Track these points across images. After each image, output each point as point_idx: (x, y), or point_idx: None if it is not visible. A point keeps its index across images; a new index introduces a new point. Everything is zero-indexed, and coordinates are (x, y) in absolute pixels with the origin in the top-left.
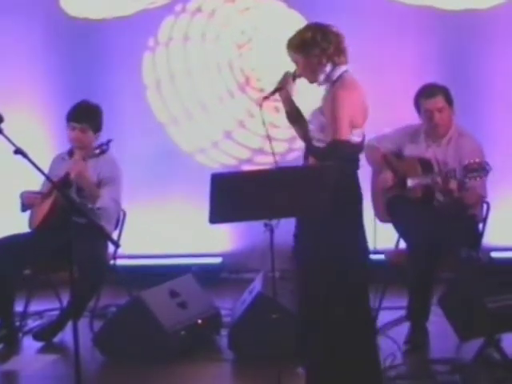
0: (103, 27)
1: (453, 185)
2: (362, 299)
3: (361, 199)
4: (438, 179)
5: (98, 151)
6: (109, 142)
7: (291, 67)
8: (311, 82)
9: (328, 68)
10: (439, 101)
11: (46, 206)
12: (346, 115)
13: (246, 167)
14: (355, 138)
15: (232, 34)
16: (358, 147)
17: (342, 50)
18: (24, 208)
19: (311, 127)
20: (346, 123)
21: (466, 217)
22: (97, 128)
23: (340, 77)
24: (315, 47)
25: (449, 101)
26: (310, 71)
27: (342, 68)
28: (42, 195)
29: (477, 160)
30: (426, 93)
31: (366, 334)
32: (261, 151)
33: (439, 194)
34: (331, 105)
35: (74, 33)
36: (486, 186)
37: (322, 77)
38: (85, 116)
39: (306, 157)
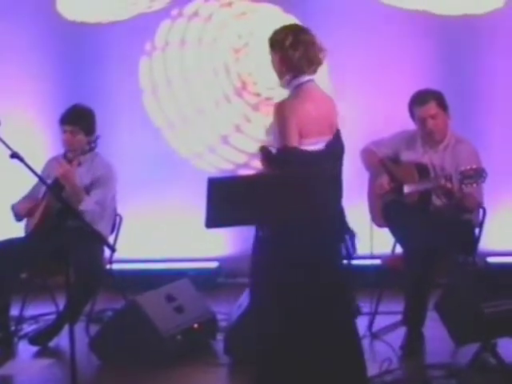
0: (100, 31)
1: (454, 186)
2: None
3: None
4: (440, 180)
5: (86, 147)
6: (96, 138)
7: None
8: (279, 80)
9: (289, 76)
10: (432, 107)
11: (40, 209)
12: (292, 124)
13: (243, 172)
14: (307, 147)
15: (228, 38)
16: (316, 156)
17: (311, 59)
18: (18, 218)
19: (270, 136)
20: (293, 131)
21: (462, 222)
22: (89, 130)
23: (299, 86)
24: (281, 51)
25: (442, 106)
26: (276, 71)
27: (306, 77)
28: (35, 202)
29: (473, 166)
30: (418, 100)
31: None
32: (257, 156)
33: (436, 198)
34: (277, 114)
35: (71, 37)
36: (482, 192)
37: (283, 81)
38: (75, 118)
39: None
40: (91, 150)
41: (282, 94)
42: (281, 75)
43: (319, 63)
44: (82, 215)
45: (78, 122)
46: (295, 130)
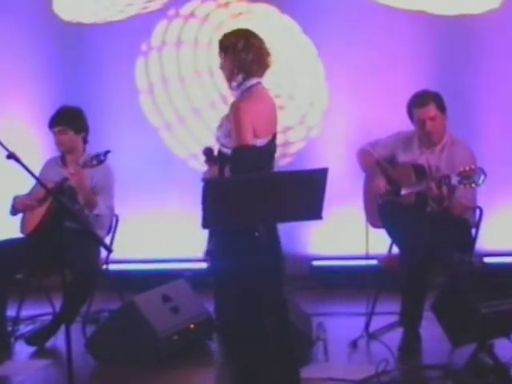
0: (96, 32)
1: (445, 192)
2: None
3: None
4: (432, 185)
5: (95, 162)
6: (107, 152)
7: (285, 72)
8: (227, 82)
9: (240, 77)
10: (431, 109)
11: (41, 211)
12: (248, 124)
13: None
14: (258, 145)
15: None
16: (263, 154)
17: (261, 62)
18: (14, 212)
19: (218, 133)
20: (248, 130)
21: (459, 222)
22: (78, 128)
23: (250, 88)
24: (234, 54)
25: (441, 108)
26: (226, 73)
27: (255, 80)
28: (36, 200)
29: (472, 167)
30: (418, 102)
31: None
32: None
33: (431, 201)
34: (234, 114)
35: (67, 37)
36: (475, 195)
37: (234, 84)
38: (61, 118)
39: (209, 164)
40: (100, 162)
41: (279, 94)
42: (231, 77)
43: (267, 67)
44: (79, 217)
45: (64, 121)
46: (250, 129)
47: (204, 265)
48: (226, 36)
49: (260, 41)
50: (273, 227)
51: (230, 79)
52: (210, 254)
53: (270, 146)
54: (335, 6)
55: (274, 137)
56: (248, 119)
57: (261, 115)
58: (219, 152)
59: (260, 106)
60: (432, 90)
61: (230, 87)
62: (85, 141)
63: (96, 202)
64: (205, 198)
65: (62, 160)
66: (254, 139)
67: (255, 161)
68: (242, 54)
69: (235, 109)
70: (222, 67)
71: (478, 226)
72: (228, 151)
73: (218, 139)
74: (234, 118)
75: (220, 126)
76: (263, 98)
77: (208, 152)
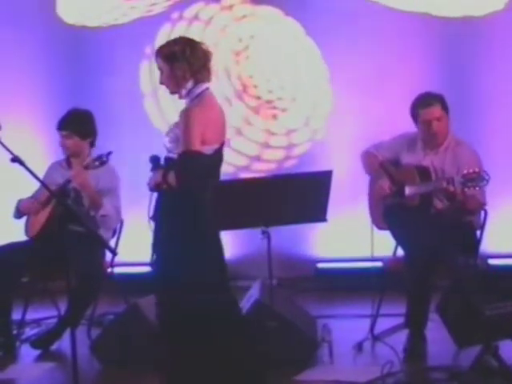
0: (100, 35)
1: (457, 189)
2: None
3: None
4: (442, 182)
5: (97, 163)
6: (109, 154)
7: (289, 74)
8: (172, 92)
9: (190, 84)
10: (437, 110)
11: (45, 214)
12: (197, 130)
13: (244, 175)
14: (206, 152)
15: (229, 41)
16: (210, 160)
17: (208, 68)
18: (18, 215)
19: (166, 139)
20: (197, 137)
21: (464, 224)
22: (85, 134)
23: (200, 94)
24: (182, 61)
25: (445, 108)
26: (173, 83)
27: (204, 85)
28: (40, 203)
29: (476, 169)
30: (423, 102)
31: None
32: (258, 158)
33: (437, 201)
34: (184, 119)
35: (71, 41)
36: (485, 193)
37: (183, 91)
38: (67, 123)
39: (152, 168)
40: (102, 164)
41: (283, 97)
42: (181, 84)
43: (212, 72)
44: (84, 220)
45: (71, 125)
46: (199, 136)
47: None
48: (170, 45)
49: (204, 46)
50: (216, 236)
51: (179, 86)
52: (156, 264)
53: (217, 154)
54: (339, 8)
55: (222, 145)
56: (197, 126)
57: (211, 122)
58: (165, 157)
59: (211, 113)
60: (435, 92)
61: (180, 95)
62: (92, 144)
63: (101, 203)
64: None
65: (67, 162)
66: (201, 146)
67: (201, 167)
68: (191, 59)
69: (186, 115)
70: (167, 77)
71: (482, 228)
72: (174, 156)
73: (165, 144)
74: (184, 124)
75: (168, 132)
76: (213, 105)
77: (154, 159)
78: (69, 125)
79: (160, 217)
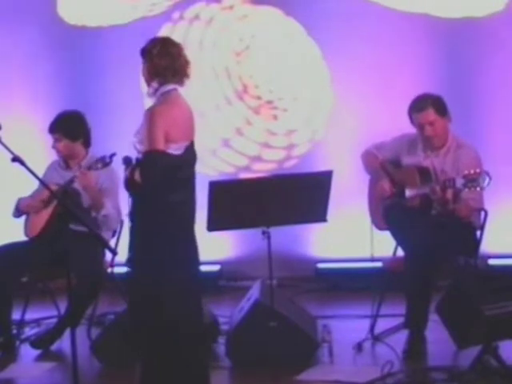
0: (101, 35)
1: (449, 195)
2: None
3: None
4: (436, 188)
5: (100, 164)
6: (112, 155)
7: (289, 74)
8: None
9: (155, 83)
10: (430, 114)
11: (46, 214)
12: (160, 129)
13: (244, 175)
14: (172, 151)
15: (230, 41)
16: (178, 160)
17: (177, 69)
18: (18, 214)
19: (134, 139)
20: (160, 136)
21: (464, 224)
22: (74, 136)
23: (165, 93)
24: (148, 60)
25: (440, 112)
26: (144, 79)
27: (171, 86)
28: (40, 201)
29: (477, 170)
30: (416, 106)
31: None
32: (258, 159)
33: (436, 204)
34: (147, 119)
35: (72, 41)
36: (482, 197)
37: (150, 89)
38: (57, 126)
39: (125, 169)
40: (106, 165)
41: (283, 97)
42: (148, 83)
43: (186, 75)
44: (84, 220)
45: (59, 129)
46: (162, 134)
47: (209, 267)
48: (147, 43)
49: (178, 48)
50: (191, 237)
51: (147, 85)
52: (129, 263)
53: (187, 154)
54: (340, 9)
55: (192, 144)
56: (160, 124)
57: (175, 121)
58: (136, 158)
59: (174, 111)
60: (433, 94)
61: (148, 93)
62: (86, 144)
63: (103, 203)
64: (210, 201)
65: (64, 163)
66: (166, 145)
67: (166, 167)
68: (156, 60)
69: (148, 114)
70: (142, 75)
71: (482, 228)
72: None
73: (134, 145)
74: (147, 123)
75: (136, 133)
76: (178, 104)
77: (127, 160)
78: (57, 128)
79: (131, 216)
